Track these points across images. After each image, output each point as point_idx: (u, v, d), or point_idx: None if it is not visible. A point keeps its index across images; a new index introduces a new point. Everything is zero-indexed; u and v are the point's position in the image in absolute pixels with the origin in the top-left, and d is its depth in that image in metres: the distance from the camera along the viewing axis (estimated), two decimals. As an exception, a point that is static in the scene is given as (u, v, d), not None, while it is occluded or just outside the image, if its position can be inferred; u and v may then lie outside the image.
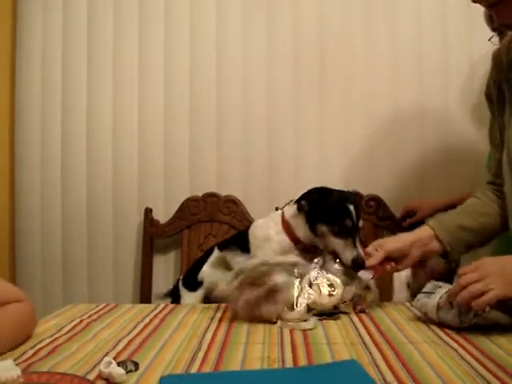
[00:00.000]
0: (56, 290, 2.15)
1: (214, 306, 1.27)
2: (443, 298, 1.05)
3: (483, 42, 1.64)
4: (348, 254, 1.32)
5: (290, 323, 1.07)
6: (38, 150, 2.17)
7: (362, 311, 1.19)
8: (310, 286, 1.16)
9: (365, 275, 1.20)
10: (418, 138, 2.09)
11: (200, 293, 1.62)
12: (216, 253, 1.62)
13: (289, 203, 1.52)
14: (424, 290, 1.12)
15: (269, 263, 1.17)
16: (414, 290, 1.45)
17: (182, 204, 2.12)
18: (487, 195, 1.32)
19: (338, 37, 2.12)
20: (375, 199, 2.08)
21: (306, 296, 1.14)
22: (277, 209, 1.56)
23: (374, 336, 1.00)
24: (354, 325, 1.09)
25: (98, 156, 2.16)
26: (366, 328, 1.06)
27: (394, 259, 1.27)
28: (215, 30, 2.13)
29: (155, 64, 2.15)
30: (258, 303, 1.10)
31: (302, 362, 0.86)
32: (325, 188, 1.45)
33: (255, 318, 1.09)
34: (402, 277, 1.56)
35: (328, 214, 1.38)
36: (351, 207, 1.37)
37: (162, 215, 2.14)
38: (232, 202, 2.11)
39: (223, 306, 1.26)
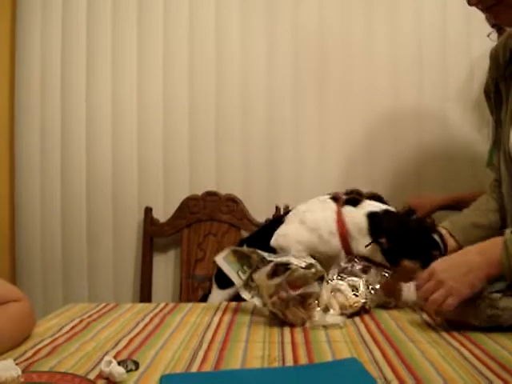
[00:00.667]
0: (56, 289, 2.15)
1: (214, 305, 1.27)
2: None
3: (482, 41, 1.64)
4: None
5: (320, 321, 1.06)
6: (37, 149, 2.17)
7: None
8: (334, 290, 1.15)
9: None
10: (417, 137, 2.09)
11: (229, 291, 1.49)
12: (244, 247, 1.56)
13: (348, 196, 1.39)
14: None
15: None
16: None
17: (182, 203, 2.12)
18: (497, 192, 1.32)
19: (338, 36, 2.12)
20: (375, 197, 2.07)
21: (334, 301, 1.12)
22: (334, 199, 1.39)
23: (375, 334, 1.00)
24: (354, 323, 1.09)
25: (98, 155, 2.16)
26: (366, 326, 1.06)
27: None
28: (215, 29, 2.13)
29: (155, 63, 2.14)
30: (289, 305, 1.07)
31: (303, 360, 0.86)
32: (399, 217, 1.35)
33: (283, 318, 1.07)
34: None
35: (413, 249, 1.27)
36: (436, 237, 1.28)
37: (162, 214, 2.14)
38: (232, 200, 2.11)
39: (223, 305, 1.26)
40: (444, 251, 1.27)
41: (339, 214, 1.35)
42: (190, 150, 2.14)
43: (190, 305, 1.31)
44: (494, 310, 0.98)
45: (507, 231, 1.02)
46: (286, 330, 1.04)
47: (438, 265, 1.04)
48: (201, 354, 0.90)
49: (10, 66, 2.18)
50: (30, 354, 0.90)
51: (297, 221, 1.40)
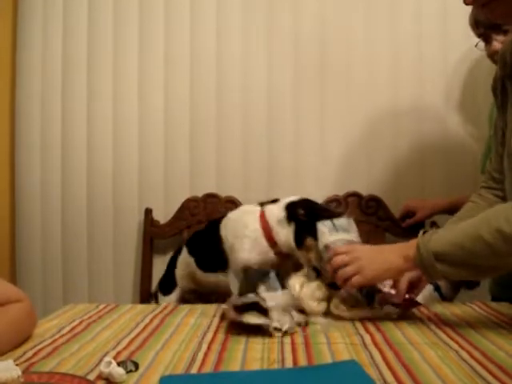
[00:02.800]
0: (56, 289, 2.15)
1: (214, 306, 1.27)
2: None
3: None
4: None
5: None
6: (38, 150, 2.17)
7: None
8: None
9: (390, 309, 1.16)
10: (417, 138, 2.09)
11: (174, 295, 1.68)
12: (185, 250, 1.65)
13: (272, 202, 1.48)
14: None
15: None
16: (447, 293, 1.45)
17: (182, 204, 2.12)
18: (485, 198, 1.30)
19: (338, 35, 2.11)
20: (375, 199, 2.08)
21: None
22: (261, 204, 1.51)
23: (374, 336, 1.00)
24: (353, 325, 1.09)
25: (98, 156, 2.16)
26: (365, 328, 1.06)
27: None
28: (215, 30, 2.13)
29: (155, 64, 2.14)
30: None
31: (302, 362, 0.86)
32: (314, 201, 1.45)
33: None
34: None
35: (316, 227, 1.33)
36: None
37: (162, 216, 2.14)
38: (232, 202, 2.10)
39: (223, 306, 1.26)
40: None
41: (262, 214, 1.47)
42: (190, 151, 2.14)
43: (189, 306, 1.32)
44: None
45: (420, 233, 1.08)
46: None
47: (362, 246, 1.15)
48: (200, 355, 0.90)
49: (11, 66, 2.18)
50: (30, 354, 0.90)
51: (233, 238, 1.50)
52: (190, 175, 2.14)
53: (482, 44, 1.64)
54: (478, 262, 1.00)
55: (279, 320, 1.02)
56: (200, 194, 2.13)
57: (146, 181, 2.15)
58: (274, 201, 1.51)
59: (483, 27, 1.58)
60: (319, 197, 2.09)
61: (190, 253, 1.65)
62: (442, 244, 1.03)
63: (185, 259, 1.67)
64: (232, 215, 1.56)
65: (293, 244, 1.40)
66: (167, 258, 2.13)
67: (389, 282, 1.19)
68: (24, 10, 2.17)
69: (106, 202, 2.15)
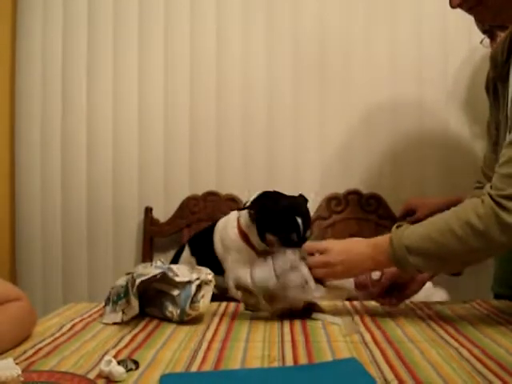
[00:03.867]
0: (56, 289, 2.15)
1: (214, 304, 1.27)
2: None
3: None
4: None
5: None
6: (37, 149, 2.17)
7: None
8: None
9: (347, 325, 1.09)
10: (418, 137, 2.09)
11: None
12: (187, 249, 1.64)
13: (245, 206, 1.48)
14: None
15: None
16: None
17: (182, 203, 2.12)
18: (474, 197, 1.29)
19: (338, 35, 2.12)
20: (375, 198, 2.08)
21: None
22: (239, 209, 1.53)
23: (375, 334, 1.00)
24: (354, 323, 1.09)
25: (98, 155, 2.16)
26: (366, 326, 1.06)
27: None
28: (215, 29, 2.13)
29: (155, 63, 2.14)
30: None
31: (303, 360, 0.86)
32: (274, 195, 1.44)
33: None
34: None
35: (275, 224, 1.36)
36: (299, 220, 1.34)
37: (162, 214, 2.14)
38: (232, 200, 2.11)
39: (224, 304, 1.26)
40: (303, 234, 1.33)
41: (238, 221, 1.48)
42: (190, 149, 2.14)
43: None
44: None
45: (394, 227, 1.10)
46: (286, 330, 1.04)
47: (336, 245, 1.14)
48: (201, 353, 0.90)
49: (11, 66, 2.18)
50: (30, 353, 0.90)
51: (223, 252, 1.52)
52: (189, 173, 2.14)
53: (487, 41, 1.64)
54: (449, 256, 1.03)
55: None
56: (200, 192, 2.13)
57: (145, 179, 2.15)
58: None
59: (488, 24, 1.58)
60: (320, 194, 2.11)
61: (192, 253, 1.65)
62: (414, 237, 1.04)
63: (187, 258, 1.67)
64: (220, 223, 1.57)
65: (260, 241, 1.42)
66: (167, 256, 2.14)
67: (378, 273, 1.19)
68: (23, 9, 2.16)
69: (106, 201, 2.15)
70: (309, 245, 1.20)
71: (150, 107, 2.15)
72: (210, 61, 2.13)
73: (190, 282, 1.10)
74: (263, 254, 1.39)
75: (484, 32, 1.63)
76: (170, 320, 1.10)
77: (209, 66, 2.13)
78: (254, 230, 1.43)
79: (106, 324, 1.11)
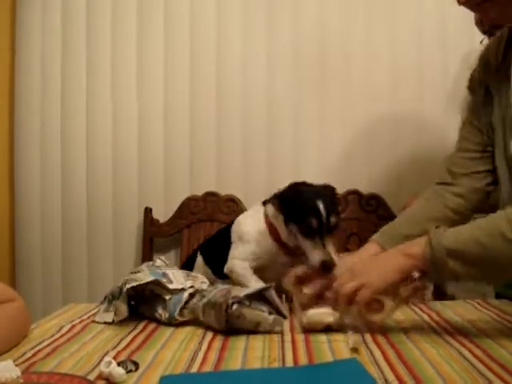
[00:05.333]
0: (56, 290, 2.15)
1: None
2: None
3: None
4: (315, 256, 1.20)
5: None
6: (37, 149, 2.16)
7: None
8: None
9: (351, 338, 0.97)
10: (418, 136, 2.09)
11: None
12: (200, 259, 1.53)
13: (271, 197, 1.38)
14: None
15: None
16: None
17: (182, 203, 2.12)
18: (440, 196, 1.24)
19: (338, 36, 2.12)
20: (376, 198, 2.08)
21: None
22: (264, 203, 1.40)
23: (375, 335, 1.00)
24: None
25: (98, 155, 2.16)
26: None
27: None
28: (215, 29, 2.13)
29: (155, 63, 2.14)
30: None
31: (303, 360, 0.86)
32: (299, 184, 1.35)
33: None
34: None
35: (297, 212, 1.26)
36: (320, 205, 1.23)
37: (162, 215, 2.14)
38: (232, 201, 2.10)
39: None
40: (326, 220, 1.22)
41: (266, 216, 1.37)
42: (190, 150, 2.14)
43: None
44: (227, 315, 1.00)
45: (432, 228, 1.00)
46: (286, 330, 1.04)
47: (357, 261, 1.09)
48: (201, 354, 0.90)
49: (10, 66, 2.18)
50: (29, 354, 0.90)
51: (237, 239, 1.41)
52: (189, 174, 2.14)
53: (486, 41, 1.64)
54: (496, 262, 0.93)
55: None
56: (200, 192, 2.13)
57: (145, 180, 2.14)
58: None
59: (488, 24, 1.57)
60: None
61: (206, 262, 1.52)
62: (457, 240, 0.94)
63: (201, 267, 1.54)
64: (240, 218, 1.47)
65: (287, 234, 1.32)
66: (167, 257, 2.14)
67: None
68: (23, 9, 2.16)
69: (106, 201, 2.15)
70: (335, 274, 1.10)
71: (150, 107, 2.15)
72: (210, 61, 2.13)
73: (183, 290, 1.10)
74: (290, 253, 1.33)
75: (484, 33, 1.62)
76: (158, 321, 1.11)
77: (209, 66, 2.13)
78: (280, 222, 1.32)
79: (98, 322, 1.12)
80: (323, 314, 1.03)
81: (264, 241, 1.36)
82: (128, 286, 1.09)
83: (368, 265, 1.05)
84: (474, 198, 1.23)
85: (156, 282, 1.12)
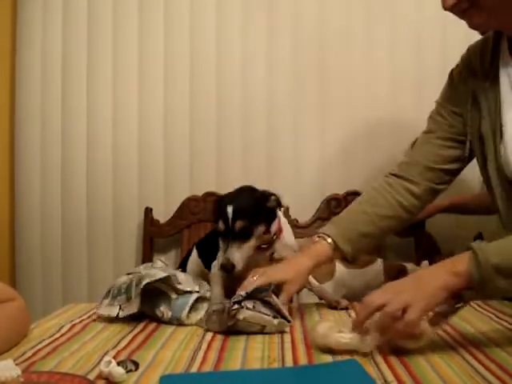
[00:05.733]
0: (56, 290, 2.15)
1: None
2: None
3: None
4: (219, 258, 1.24)
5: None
6: (37, 150, 2.16)
7: None
8: None
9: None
10: (417, 136, 2.09)
11: None
12: (195, 252, 1.55)
13: None
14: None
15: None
16: None
17: (182, 203, 2.12)
18: (392, 192, 1.22)
19: (338, 36, 2.12)
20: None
21: None
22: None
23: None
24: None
25: (98, 156, 2.16)
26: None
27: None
28: (215, 29, 2.13)
29: (155, 63, 2.14)
30: None
31: (302, 361, 0.86)
32: (237, 189, 1.36)
33: None
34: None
35: (215, 217, 1.31)
36: (228, 209, 1.23)
37: (162, 215, 2.14)
38: (232, 201, 2.10)
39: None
40: (232, 224, 1.22)
41: None
42: (190, 150, 2.14)
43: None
44: (233, 320, 1.01)
45: (476, 243, 0.99)
46: (286, 331, 1.04)
47: (399, 280, 0.97)
48: (200, 354, 0.90)
49: (11, 67, 2.18)
50: (29, 354, 0.90)
51: None
52: (189, 174, 2.14)
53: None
54: None
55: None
56: (200, 192, 2.13)
57: (145, 180, 2.14)
58: None
59: (481, 30, 1.56)
60: (319, 196, 2.11)
61: (200, 255, 1.54)
62: (504, 256, 0.87)
63: (194, 261, 1.55)
64: None
65: None
66: (167, 257, 2.14)
67: None
68: (23, 9, 2.16)
69: (106, 201, 2.15)
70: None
71: (150, 108, 2.15)
72: (210, 61, 2.13)
73: (190, 292, 1.10)
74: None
75: (482, 35, 1.62)
76: (157, 319, 1.11)
77: (209, 66, 2.13)
78: None
79: (101, 315, 1.12)
80: (353, 338, 0.89)
81: None
82: (145, 281, 1.09)
83: (411, 284, 0.93)
84: (428, 199, 1.23)
85: (167, 279, 1.12)
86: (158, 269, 1.17)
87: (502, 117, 1.07)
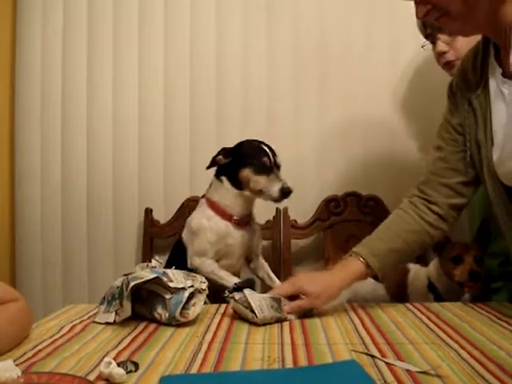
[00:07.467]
0: (56, 290, 2.15)
1: (214, 306, 1.27)
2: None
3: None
4: (274, 187, 1.44)
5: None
6: (38, 150, 2.17)
7: None
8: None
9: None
10: (416, 138, 2.09)
11: None
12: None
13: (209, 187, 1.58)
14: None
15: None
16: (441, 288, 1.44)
17: (183, 204, 2.12)
18: (415, 209, 1.25)
19: (338, 36, 2.12)
20: (374, 199, 2.08)
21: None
22: (203, 197, 1.60)
23: (374, 336, 1.00)
24: (354, 325, 1.09)
25: (99, 157, 2.16)
26: (366, 328, 1.06)
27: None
28: (215, 29, 2.13)
29: (155, 64, 2.15)
30: None
31: (302, 362, 0.86)
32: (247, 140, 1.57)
33: None
34: (420, 274, 1.54)
35: (246, 157, 1.49)
36: (265, 147, 1.51)
37: (163, 215, 2.14)
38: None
39: (223, 306, 1.26)
40: (274, 159, 1.51)
41: (207, 199, 1.57)
42: (190, 151, 2.14)
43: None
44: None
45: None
46: (286, 332, 1.04)
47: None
48: (200, 355, 0.90)
49: (11, 68, 2.18)
50: (29, 354, 0.90)
51: (190, 239, 1.57)
52: (189, 175, 2.14)
53: (428, 46, 1.64)
54: None
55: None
56: (200, 193, 2.12)
57: (146, 181, 2.15)
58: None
59: (431, 28, 1.56)
60: (319, 196, 2.11)
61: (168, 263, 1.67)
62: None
63: None
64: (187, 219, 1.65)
65: (236, 193, 1.50)
66: (167, 257, 2.13)
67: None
68: (23, 10, 2.17)
69: (107, 202, 2.15)
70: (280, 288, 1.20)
71: (150, 108, 2.15)
72: (210, 61, 2.14)
73: (183, 289, 1.10)
74: (243, 224, 1.52)
75: (426, 37, 1.61)
76: (157, 321, 1.11)
77: (209, 66, 2.13)
78: (226, 188, 1.51)
79: (99, 323, 1.12)
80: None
81: (215, 224, 1.52)
82: (132, 283, 1.09)
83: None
84: (452, 215, 1.24)
85: (157, 280, 1.12)
86: (150, 269, 1.16)
87: (492, 123, 1.09)
